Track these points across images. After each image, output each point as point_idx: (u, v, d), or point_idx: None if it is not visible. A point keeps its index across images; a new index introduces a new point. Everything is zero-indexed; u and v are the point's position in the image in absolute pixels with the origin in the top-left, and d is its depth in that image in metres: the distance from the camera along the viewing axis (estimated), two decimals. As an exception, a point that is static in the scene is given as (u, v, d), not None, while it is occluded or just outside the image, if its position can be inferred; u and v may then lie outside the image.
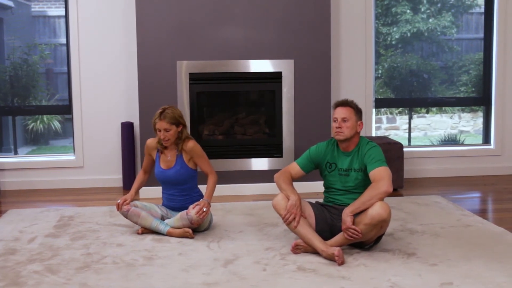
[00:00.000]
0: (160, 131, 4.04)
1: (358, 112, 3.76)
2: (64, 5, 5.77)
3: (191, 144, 4.10)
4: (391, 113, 7.61)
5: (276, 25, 5.34)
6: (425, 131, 7.74)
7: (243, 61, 5.32)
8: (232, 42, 5.31)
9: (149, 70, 5.26)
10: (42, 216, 4.65)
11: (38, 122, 6.83)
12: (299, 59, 5.36)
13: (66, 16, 5.73)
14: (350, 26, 5.88)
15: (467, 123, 7.66)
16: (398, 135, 7.18)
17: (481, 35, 6.29)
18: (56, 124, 6.86)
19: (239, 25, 5.31)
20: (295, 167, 3.88)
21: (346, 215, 3.49)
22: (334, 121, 3.76)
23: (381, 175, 3.55)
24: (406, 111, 6.86)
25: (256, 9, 5.31)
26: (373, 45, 5.97)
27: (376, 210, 3.46)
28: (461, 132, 7.45)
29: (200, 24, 5.28)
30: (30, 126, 6.78)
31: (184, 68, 5.28)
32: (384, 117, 7.73)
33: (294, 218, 3.61)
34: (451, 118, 7.46)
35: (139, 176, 4.34)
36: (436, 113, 7.59)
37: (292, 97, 5.37)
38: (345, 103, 3.76)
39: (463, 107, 7.06)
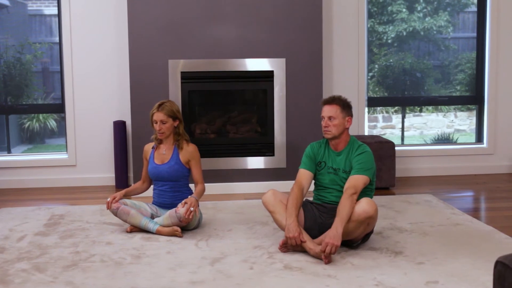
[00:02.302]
0: (156, 122, 4.12)
1: (345, 108, 3.72)
2: (57, 4, 5.78)
3: (192, 148, 4.19)
4: (387, 112, 7.61)
5: (268, 23, 5.34)
6: (421, 130, 7.74)
7: (235, 60, 5.33)
8: (224, 41, 5.32)
9: (141, 69, 5.27)
10: (33, 214, 4.66)
11: (34, 121, 6.83)
12: (291, 58, 5.36)
13: (59, 15, 5.74)
14: (342, 24, 5.89)
15: (463, 122, 7.66)
16: (394, 133, 7.18)
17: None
18: (52, 123, 6.87)
19: (231, 24, 5.32)
20: (304, 173, 3.80)
21: (339, 237, 3.40)
22: (322, 119, 3.75)
23: (351, 183, 3.58)
24: (405, 110, 6.88)
25: (248, 8, 5.32)
26: (365, 44, 5.97)
27: (363, 207, 3.47)
28: (457, 131, 7.45)
29: (191, 22, 5.28)
30: (26, 125, 6.78)
31: (176, 67, 5.28)
32: (380, 116, 7.73)
33: (296, 243, 3.57)
34: (444, 116, 7.46)
35: (137, 183, 4.37)
36: (432, 112, 7.59)
37: (284, 96, 5.38)
38: (331, 101, 3.73)
39: (459, 105, 7.06)
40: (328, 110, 3.71)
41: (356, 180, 3.60)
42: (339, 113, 3.69)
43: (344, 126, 3.73)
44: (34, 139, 6.87)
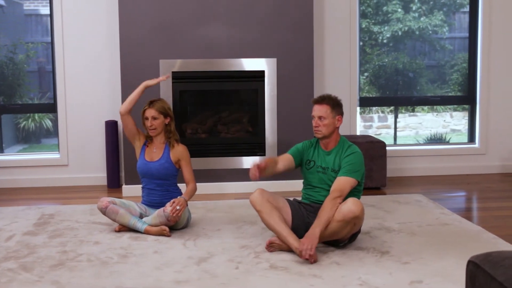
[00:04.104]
0: (147, 119, 4.15)
1: (335, 107, 3.72)
2: (49, 4, 5.78)
3: (182, 148, 4.23)
4: (382, 112, 7.62)
5: (259, 23, 5.35)
6: (416, 130, 7.75)
7: (226, 59, 5.33)
8: (215, 40, 5.32)
9: (132, 68, 5.27)
10: (23, 214, 4.66)
11: (30, 120, 6.83)
12: (282, 58, 5.37)
13: (51, 15, 5.75)
14: (334, 24, 5.88)
15: (458, 122, 7.66)
16: (390, 133, 7.19)
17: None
18: (47, 122, 6.87)
19: (222, 24, 5.32)
20: (287, 156, 3.84)
21: (315, 238, 3.45)
22: (312, 118, 3.76)
23: (338, 186, 3.60)
24: (398, 110, 6.88)
25: (239, 8, 5.32)
26: (357, 44, 5.97)
27: (349, 207, 3.47)
28: (453, 131, 7.45)
29: (183, 22, 5.29)
30: (22, 125, 6.78)
31: (167, 67, 5.29)
32: (375, 116, 7.73)
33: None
34: (436, 116, 7.46)
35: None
36: (428, 112, 7.60)
37: (275, 96, 5.38)
38: (321, 100, 3.73)
39: (454, 105, 7.06)
40: (318, 110, 3.71)
41: (343, 184, 3.61)
42: (329, 113, 3.70)
43: (335, 126, 3.74)
44: (30, 139, 6.87)
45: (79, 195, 5.41)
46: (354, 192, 3.70)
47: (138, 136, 4.30)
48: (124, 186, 5.33)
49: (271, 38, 5.35)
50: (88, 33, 5.69)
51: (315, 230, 3.47)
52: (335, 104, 3.73)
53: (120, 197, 5.02)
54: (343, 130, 5.78)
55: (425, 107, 7.20)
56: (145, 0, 5.25)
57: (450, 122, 7.66)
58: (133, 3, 5.24)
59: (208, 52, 5.32)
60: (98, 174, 5.79)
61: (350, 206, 3.47)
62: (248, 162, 5.44)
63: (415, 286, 3.13)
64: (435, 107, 7.12)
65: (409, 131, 7.66)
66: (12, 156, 6.01)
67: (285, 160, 3.82)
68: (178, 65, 5.30)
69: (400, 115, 7.21)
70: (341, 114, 3.77)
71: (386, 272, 3.32)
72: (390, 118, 7.67)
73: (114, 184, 5.62)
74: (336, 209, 3.52)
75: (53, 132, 6.74)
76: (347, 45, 5.92)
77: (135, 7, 5.24)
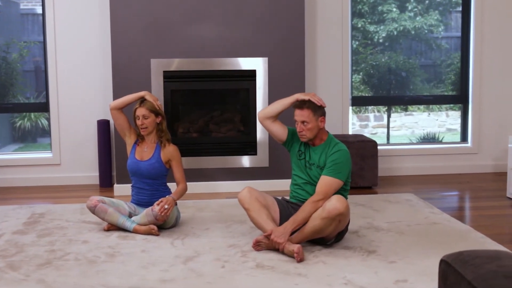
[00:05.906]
0: (138, 118, 4.15)
1: (317, 109, 3.71)
2: (41, 3, 5.79)
3: (173, 148, 4.23)
4: (378, 111, 7.62)
5: (250, 23, 5.35)
6: (412, 129, 7.75)
7: (218, 59, 5.34)
8: (206, 40, 5.33)
9: (123, 68, 5.28)
10: (14, 213, 4.67)
11: (26, 119, 6.83)
12: (273, 57, 5.37)
13: (43, 14, 5.76)
14: (326, 24, 5.88)
15: (454, 121, 7.66)
16: (385, 133, 7.19)
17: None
18: (43, 121, 6.87)
19: (213, 23, 5.33)
20: (284, 126, 3.89)
21: (287, 233, 3.53)
22: (295, 122, 3.76)
23: (322, 188, 3.62)
24: (394, 109, 6.87)
25: (230, 7, 5.33)
26: (349, 43, 5.97)
27: (333, 204, 3.48)
28: (449, 130, 7.45)
29: (174, 22, 5.29)
30: (18, 124, 6.78)
31: (158, 66, 5.29)
32: (371, 115, 7.73)
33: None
34: (428, 116, 7.46)
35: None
36: (424, 111, 7.60)
37: (266, 95, 5.38)
38: (301, 105, 3.72)
39: (450, 104, 7.06)
40: (300, 115, 3.71)
41: (328, 186, 3.61)
42: (312, 117, 3.70)
43: (318, 127, 3.74)
44: (26, 138, 6.88)
45: (71, 194, 5.42)
46: (340, 191, 3.70)
47: (128, 133, 4.30)
48: (115, 185, 5.34)
49: (262, 37, 5.36)
50: (80, 32, 5.70)
51: (287, 226, 3.56)
52: (316, 107, 3.72)
53: (112, 196, 5.03)
54: (336, 130, 5.80)
55: (421, 107, 7.20)
56: (136, 0, 5.25)
57: (446, 121, 7.66)
58: (124, 2, 5.24)
59: (199, 51, 5.32)
60: (90, 173, 5.79)
61: (335, 203, 3.48)
62: (240, 161, 5.46)
63: (400, 285, 3.14)
64: (431, 106, 7.12)
65: (405, 130, 7.66)
66: (4, 155, 6.01)
67: (283, 128, 3.88)
68: (169, 64, 5.31)
69: (395, 115, 7.21)
70: (323, 114, 3.76)
71: (371, 271, 3.32)
72: (386, 117, 7.67)
73: (106, 183, 5.62)
74: (314, 212, 3.55)
75: (49, 131, 6.75)
76: (339, 44, 5.93)
77: (127, 6, 5.24)
